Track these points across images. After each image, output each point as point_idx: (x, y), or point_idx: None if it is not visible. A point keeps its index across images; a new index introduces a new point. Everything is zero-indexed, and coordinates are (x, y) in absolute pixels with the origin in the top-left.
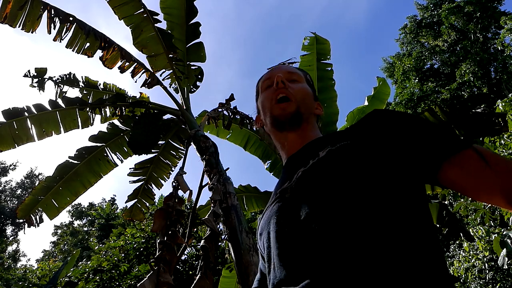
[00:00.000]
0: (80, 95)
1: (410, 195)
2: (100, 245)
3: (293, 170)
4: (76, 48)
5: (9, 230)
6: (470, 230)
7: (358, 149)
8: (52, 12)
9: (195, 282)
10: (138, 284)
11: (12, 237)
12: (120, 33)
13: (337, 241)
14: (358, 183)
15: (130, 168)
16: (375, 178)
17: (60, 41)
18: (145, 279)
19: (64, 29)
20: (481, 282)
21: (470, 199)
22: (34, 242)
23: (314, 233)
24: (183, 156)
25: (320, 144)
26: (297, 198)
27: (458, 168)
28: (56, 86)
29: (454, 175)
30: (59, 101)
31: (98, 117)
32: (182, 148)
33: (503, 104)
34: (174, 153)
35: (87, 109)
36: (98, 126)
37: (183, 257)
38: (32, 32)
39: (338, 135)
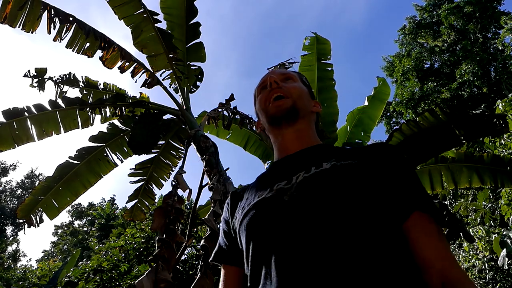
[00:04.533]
0: (80, 95)
1: (392, 230)
2: (100, 245)
3: (291, 171)
4: (76, 48)
5: (9, 230)
6: (470, 230)
7: (361, 173)
8: (52, 12)
9: (195, 281)
10: (136, 281)
11: (12, 237)
12: (119, 33)
13: (339, 261)
14: (354, 206)
15: (130, 168)
16: (372, 205)
17: (60, 41)
18: (143, 276)
19: (64, 29)
20: (481, 282)
21: (470, 199)
22: (34, 242)
23: (317, 247)
24: (183, 156)
25: (323, 153)
26: (298, 205)
27: (420, 227)
28: (56, 86)
29: (414, 230)
30: (59, 101)
31: (98, 117)
32: (182, 148)
33: (503, 104)
34: (174, 153)
35: (87, 109)
36: (98, 126)
37: (183, 257)
38: (32, 32)
39: (342, 151)
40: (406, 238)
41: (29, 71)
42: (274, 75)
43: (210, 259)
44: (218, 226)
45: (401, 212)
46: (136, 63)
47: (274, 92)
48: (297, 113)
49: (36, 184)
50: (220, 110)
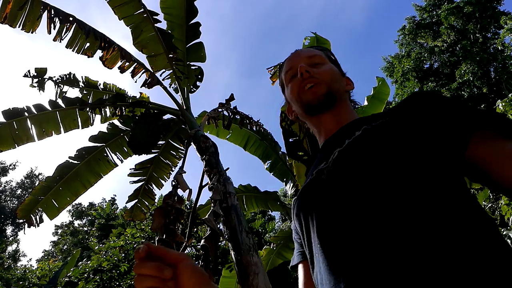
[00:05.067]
0: (80, 95)
1: (450, 180)
2: (100, 245)
3: (330, 151)
4: (76, 48)
5: (9, 230)
6: None
7: (393, 128)
8: (52, 12)
9: None
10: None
11: (12, 237)
12: (118, 33)
13: (386, 234)
14: (396, 165)
15: (130, 169)
16: (412, 160)
17: (60, 41)
18: None
19: (64, 29)
20: None
21: None
22: (34, 242)
23: (357, 222)
24: (183, 156)
25: (357, 125)
26: (334, 180)
27: (487, 144)
28: (56, 86)
29: (482, 150)
30: (59, 101)
31: (98, 117)
32: (182, 148)
33: (503, 104)
34: (174, 153)
35: (87, 109)
36: (98, 126)
37: None
38: (32, 32)
39: (375, 116)
40: (478, 171)
41: (29, 71)
42: (302, 62)
43: (291, 265)
44: (218, 226)
45: (457, 141)
46: (136, 63)
47: (307, 82)
48: (334, 97)
49: (36, 184)
50: (220, 110)
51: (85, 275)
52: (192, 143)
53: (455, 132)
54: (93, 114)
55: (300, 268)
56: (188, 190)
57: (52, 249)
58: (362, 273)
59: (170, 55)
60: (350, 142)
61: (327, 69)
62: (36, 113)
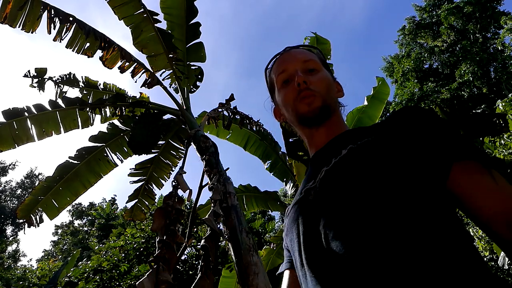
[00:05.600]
0: (80, 95)
1: (435, 201)
2: (100, 245)
3: (318, 168)
4: (76, 48)
5: (9, 230)
6: (470, 230)
7: (377, 149)
8: (52, 12)
9: (195, 282)
10: (137, 283)
11: (12, 237)
12: (118, 33)
13: (364, 257)
14: (378, 187)
15: (130, 169)
16: (396, 181)
17: (60, 41)
18: (144, 277)
19: (64, 29)
20: None
21: None
22: (34, 242)
23: (337, 247)
24: (183, 156)
25: (344, 140)
26: (320, 202)
27: (468, 175)
28: (56, 86)
29: (463, 181)
30: (59, 101)
31: (98, 117)
32: (182, 148)
33: (503, 104)
34: (174, 153)
35: (87, 109)
36: (98, 126)
37: (183, 257)
38: (32, 32)
39: (361, 131)
40: (456, 199)
41: (29, 71)
42: (298, 67)
43: (278, 272)
44: (218, 226)
45: (438, 170)
46: (136, 63)
47: (303, 94)
48: (329, 111)
49: (36, 184)
50: (220, 110)
51: (85, 275)
52: (192, 143)
53: (438, 161)
54: (93, 114)
55: (287, 274)
56: (188, 190)
57: (52, 249)
58: None
59: (170, 55)
60: (336, 161)
61: (322, 78)
62: (36, 113)
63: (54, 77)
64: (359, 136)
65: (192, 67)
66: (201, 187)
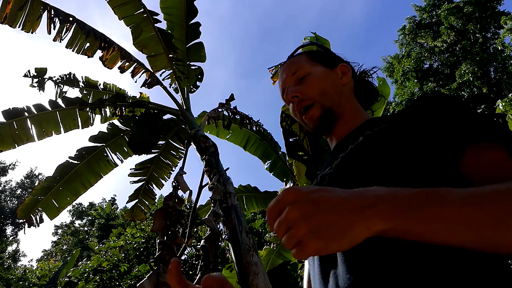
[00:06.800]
0: (80, 95)
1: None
2: (100, 245)
3: (336, 155)
4: (76, 48)
5: (9, 230)
6: None
7: (394, 134)
8: (52, 12)
9: (195, 282)
10: (138, 284)
11: (12, 237)
12: (117, 33)
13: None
14: (393, 171)
15: (130, 168)
16: (411, 166)
17: (60, 41)
18: (144, 279)
19: (64, 29)
20: None
21: None
22: (34, 242)
23: None
24: (183, 156)
25: (363, 128)
26: (334, 184)
27: (479, 158)
28: (56, 86)
29: (473, 164)
30: (59, 101)
31: (98, 117)
32: (182, 148)
33: (503, 104)
34: (174, 153)
35: (87, 109)
36: (98, 126)
37: (183, 257)
38: (32, 33)
39: (383, 119)
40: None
41: (29, 71)
42: (288, 83)
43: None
44: (218, 226)
45: (452, 151)
46: (136, 63)
47: (299, 108)
48: (332, 115)
49: (36, 184)
50: (220, 110)
51: (85, 275)
52: (192, 143)
53: (453, 142)
54: (93, 114)
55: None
56: (188, 191)
57: (52, 249)
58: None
59: (170, 55)
60: (353, 147)
61: (313, 81)
62: (36, 113)
63: (54, 77)
64: (378, 123)
65: (192, 67)
66: (201, 187)
